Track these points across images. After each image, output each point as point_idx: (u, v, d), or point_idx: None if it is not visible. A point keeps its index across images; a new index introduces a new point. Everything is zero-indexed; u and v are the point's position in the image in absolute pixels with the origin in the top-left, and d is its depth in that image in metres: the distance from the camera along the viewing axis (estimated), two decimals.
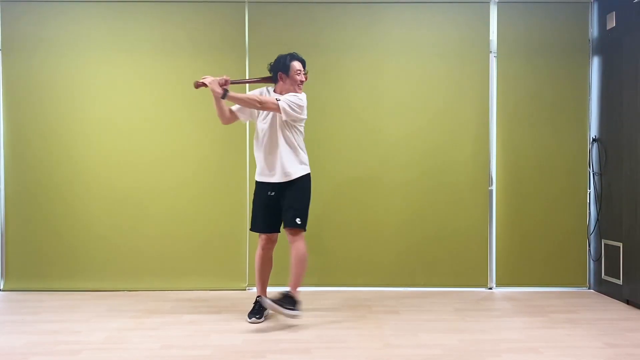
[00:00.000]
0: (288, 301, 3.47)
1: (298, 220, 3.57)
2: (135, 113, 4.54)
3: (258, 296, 3.74)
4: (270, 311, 3.78)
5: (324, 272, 4.58)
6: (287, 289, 3.55)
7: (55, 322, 3.63)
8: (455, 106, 4.60)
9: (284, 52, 4.44)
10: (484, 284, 4.62)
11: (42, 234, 4.52)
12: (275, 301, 3.42)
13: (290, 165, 3.58)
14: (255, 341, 3.22)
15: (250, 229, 3.80)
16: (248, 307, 3.78)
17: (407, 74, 4.60)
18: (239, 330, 3.44)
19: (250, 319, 3.61)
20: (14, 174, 4.52)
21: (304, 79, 3.68)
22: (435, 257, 4.60)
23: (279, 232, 3.74)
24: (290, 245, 3.61)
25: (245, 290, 4.56)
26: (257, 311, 3.65)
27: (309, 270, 4.54)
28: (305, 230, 3.63)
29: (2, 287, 4.53)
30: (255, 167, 3.73)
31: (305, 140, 4.38)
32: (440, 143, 4.60)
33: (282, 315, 3.48)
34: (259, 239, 3.73)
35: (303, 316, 3.59)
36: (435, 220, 4.60)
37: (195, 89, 3.61)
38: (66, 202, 4.51)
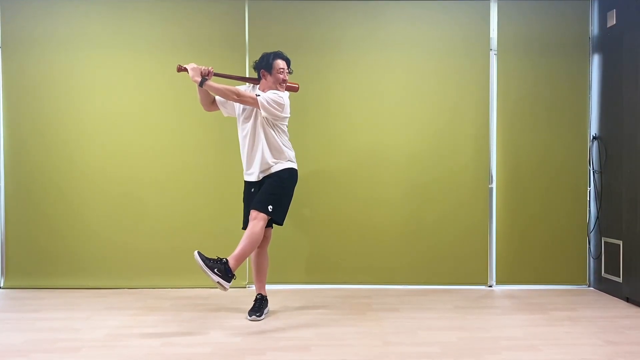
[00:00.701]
0: (220, 268, 3.30)
1: (270, 208, 3.52)
2: (134, 110, 4.54)
3: (258, 294, 3.74)
4: (270, 309, 3.80)
5: (325, 269, 4.59)
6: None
7: (55, 319, 3.63)
8: (455, 104, 4.59)
9: (284, 48, 4.43)
10: (484, 282, 4.62)
11: (42, 231, 4.53)
12: (207, 261, 3.28)
13: (269, 165, 3.59)
14: (255, 339, 3.22)
15: (242, 228, 3.76)
16: (248, 305, 3.78)
17: (407, 71, 4.60)
18: (239, 328, 3.44)
19: (250, 316, 3.61)
20: (13, 171, 4.52)
21: (287, 78, 3.67)
22: (435, 255, 4.61)
23: (271, 227, 3.74)
24: (249, 224, 3.50)
25: (245, 288, 4.56)
26: (257, 309, 3.65)
27: (310, 268, 4.59)
28: (279, 222, 3.64)
29: (2, 285, 4.53)
30: None
31: (306, 138, 4.39)
32: (440, 140, 4.60)
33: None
34: None
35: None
36: (436, 218, 4.60)
37: (177, 72, 3.67)
38: (66, 199, 4.52)
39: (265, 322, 3.56)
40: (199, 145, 4.56)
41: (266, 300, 3.74)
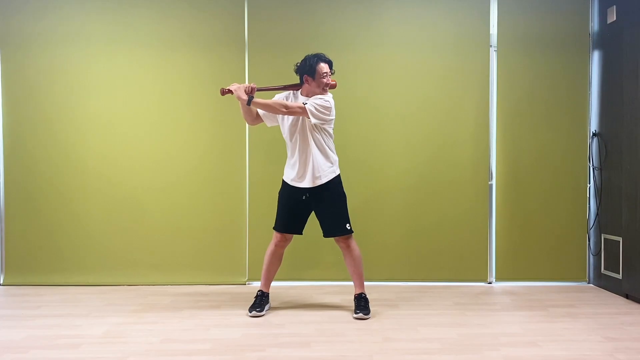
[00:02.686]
0: (365, 303, 3.65)
1: (348, 226, 3.63)
2: (134, 108, 4.53)
3: (259, 290, 3.74)
4: (271, 305, 3.80)
5: (324, 266, 4.59)
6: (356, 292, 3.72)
7: (55, 316, 3.63)
8: (455, 100, 4.59)
9: (283, 45, 4.43)
10: (484, 279, 4.63)
11: (41, 228, 4.52)
12: (368, 310, 3.61)
13: (320, 169, 3.57)
14: (255, 335, 3.22)
15: (274, 228, 3.73)
16: (248, 302, 3.78)
17: (407, 67, 4.59)
18: (238, 324, 3.45)
19: (250, 312, 3.61)
20: (13, 168, 4.52)
21: (330, 82, 3.63)
22: (434, 251, 4.61)
23: (301, 234, 3.75)
24: (344, 250, 3.68)
25: (245, 284, 4.56)
26: (258, 305, 3.65)
27: (308, 265, 4.58)
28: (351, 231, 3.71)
29: (2, 282, 4.53)
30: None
31: None
32: (440, 137, 4.59)
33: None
34: (275, 236, 3.71)
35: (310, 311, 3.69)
36: (435, 215, 4.60)
37: (221, 96, 3.64)
38: (65, 196, 4.51)
39: (265, 319, 3.56)
40: (200, 142, 4.55)
41: (267, 296, 3.75)
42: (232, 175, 4.55)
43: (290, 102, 3.56)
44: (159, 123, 4.54)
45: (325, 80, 3.59)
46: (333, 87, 3.72)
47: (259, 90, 3.60)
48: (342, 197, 3.67)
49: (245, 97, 3.47)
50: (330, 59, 3.64)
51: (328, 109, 3.53)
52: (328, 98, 3.58)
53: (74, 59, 4.51)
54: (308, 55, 3.62)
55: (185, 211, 4.55)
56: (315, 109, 3.47)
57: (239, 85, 3.50)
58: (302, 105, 3.48)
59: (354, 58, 4.56)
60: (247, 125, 4.49)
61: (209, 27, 4.54)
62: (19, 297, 4.15)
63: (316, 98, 3.54)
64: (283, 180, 3.71)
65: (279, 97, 3.70)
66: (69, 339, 3.13)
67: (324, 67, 3.58)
